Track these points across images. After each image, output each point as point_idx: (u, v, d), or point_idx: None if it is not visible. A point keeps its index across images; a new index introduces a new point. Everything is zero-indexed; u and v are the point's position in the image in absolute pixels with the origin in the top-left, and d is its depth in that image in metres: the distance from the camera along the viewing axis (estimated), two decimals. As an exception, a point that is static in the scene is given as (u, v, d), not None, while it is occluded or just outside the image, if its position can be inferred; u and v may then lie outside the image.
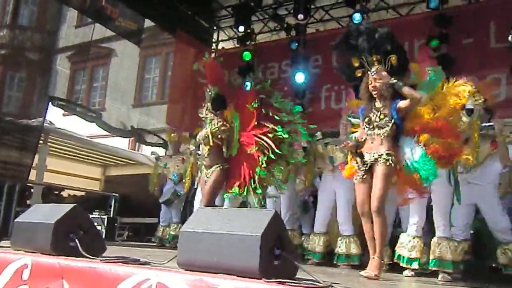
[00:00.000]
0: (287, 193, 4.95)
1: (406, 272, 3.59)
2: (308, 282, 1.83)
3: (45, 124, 7.77)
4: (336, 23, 7.59)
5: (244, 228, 1.94)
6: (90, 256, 2.38)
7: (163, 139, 7.74)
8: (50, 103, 7.93)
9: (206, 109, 4.00)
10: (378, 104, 3.09)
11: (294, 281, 1.77)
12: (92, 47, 14.02)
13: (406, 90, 2.97)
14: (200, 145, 4.13)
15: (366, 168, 3.05)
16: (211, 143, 3.85)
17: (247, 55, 7.87)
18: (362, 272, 2.91)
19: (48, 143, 8.26)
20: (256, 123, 3.79)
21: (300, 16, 7.05)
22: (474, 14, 6.25)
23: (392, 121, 3.01)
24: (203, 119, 4.05)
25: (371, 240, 3.04)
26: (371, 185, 3.04)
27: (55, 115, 8.26)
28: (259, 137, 3.73)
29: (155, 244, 6.39)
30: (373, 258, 3.00)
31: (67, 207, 2.70)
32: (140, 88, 14.68)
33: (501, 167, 3.79)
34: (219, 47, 8.84)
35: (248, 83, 7.59)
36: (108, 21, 7.76)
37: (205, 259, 1.98)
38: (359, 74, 3.20)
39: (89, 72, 15.45)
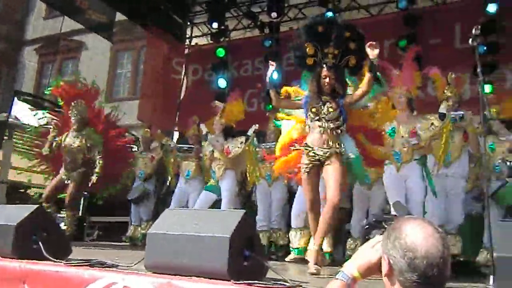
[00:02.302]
0: (277, 194, 4.94)
1: None
2: (276, 282, 1.83)
3: (10, 120, 7.50)
4: (310, 21, 7.65)
5: (213, 230, 1.92)
6: (54, 259, 2.31)
7: (134, 135, 7.60)
8: (15, 97, 7.66)
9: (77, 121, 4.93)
10: (326, 97, 3.09)
11: (262, 282, 1.77)
12: (61, 39, 13.59)
13: (366, 77, 3.01)
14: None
15: (318, 163, 3.04)
16: (86, 154, 4.89)
17: (220, 52, 7.82)
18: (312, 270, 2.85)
19: (13, 139, 7.96)
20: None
21: (274, 14, 7.06)
22: (441, 15, 6.42)
23: (342, 116, 3.06)
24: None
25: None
26: (318, 180, 3.08)
27: (19, 110, 7.95)
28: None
29: (126, 243, 6.26)
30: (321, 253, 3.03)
31: (30, 208, 2.60)
32: (111, 83, 14.36)
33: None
34: (193, 43, 8.75)
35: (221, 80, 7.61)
36: (77, 14, 7.51)
37: (174, 261, 1.96)
38: (310, 62, 3.18)
39: (58, 66, 14.98)
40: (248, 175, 5.09)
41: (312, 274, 2.76)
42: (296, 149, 3.18)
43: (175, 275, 1.88)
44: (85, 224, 6.99)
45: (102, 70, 14.15)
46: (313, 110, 3.09)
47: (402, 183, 3.83)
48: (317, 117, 3.08)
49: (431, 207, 3.92)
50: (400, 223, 1.15)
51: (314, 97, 3.12)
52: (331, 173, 2.98)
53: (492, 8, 5.83)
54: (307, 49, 3.16)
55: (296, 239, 4.46)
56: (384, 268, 1.14)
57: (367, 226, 1.35)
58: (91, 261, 2.23)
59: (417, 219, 1.17)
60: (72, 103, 4.98)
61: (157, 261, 2.01)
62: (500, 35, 5.88)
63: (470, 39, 2.71)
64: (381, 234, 1.26)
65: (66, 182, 4.98)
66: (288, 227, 5.10)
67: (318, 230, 3.00)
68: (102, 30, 8.39)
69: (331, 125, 3.04)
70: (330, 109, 3.05)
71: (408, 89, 3.86)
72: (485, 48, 5.75)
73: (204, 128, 5.23)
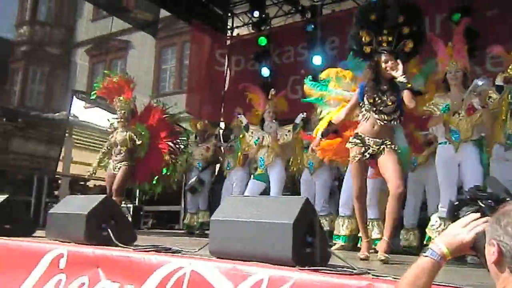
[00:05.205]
0: (321, 180, 4.91)
1: None
2: (342, 269, 1.81)
3: (69, 117, 7.93)
4: (353, 2, 7.37)
5: (275, 216, 1.93)
6: (123, 245, 2.43)
7: (182, 127, 7.78)
8: (74, 96, 8.06)
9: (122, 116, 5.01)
10: (384, 87, 2.97)
11: (328, 268, 1.76)
12: (109, 40, 14.15)
13: (405, 94, 2.89)
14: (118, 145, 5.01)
15: (370, 153, 2.97)
16: (128, 146, 4.94)
17: (262, 40, 7.77)
18: (360, 254, 2.96)
19: (73, 136, 8.43)
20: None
21: (314, -3, 6.90)
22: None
23: (399, 110, 2.96)
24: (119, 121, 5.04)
25: (365, 224, 3.16)
26: (367, 170, 3.09)
27: (76, 108, 8.39)
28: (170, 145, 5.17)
29: (182, 231, 6.49)
30: (367, 241, 3.10)
31: (98, 198, 2.76)
32: (157, 79, 14.77)
33: None
34: (234, 33, 8.76)
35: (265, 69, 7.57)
36: (124, 13, 7.77)
37: (237, 247, 1.99)
38: (368, 50, 3.11)
39: (108, 65, 15.60)
40: (291, 164, 5.11)
41: (381, 261, 2.73)
42: (350, 142, 3.10)
43: (239, 260, 1.91)
44: (141, 213, 7.29)
45: (148, 67, 14.60)
46: (370, 100, 2.98)
47: (456, 166, 3.55)
48: (374, 108, 2.97)
49: None
50: (511, 207, 1.09)
51: (371, 86, 3.01)
52: (386, 166, 2.90)
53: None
54: (363, 38, 3.11)
55: (343, 227, 4.35)
56: (493, 255, 1.09)
57: (456, 202, 1.27)
58: (158, 247, 2.33)
59: None
60: (114, 100, 5.11)
61: (221, 247, 2.06)
62: None
63: None
64: (475, 212, 1.21)
65: (114, 172, 5.07)
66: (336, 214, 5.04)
67: (386, 223, 2.94)
68: (148, 28, 8.62)
69: (387, 118, 2.95)
70: (389, 102, 2.94)
71: (464, 64, 3.59)
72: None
73: (244, 119, 5.27)
